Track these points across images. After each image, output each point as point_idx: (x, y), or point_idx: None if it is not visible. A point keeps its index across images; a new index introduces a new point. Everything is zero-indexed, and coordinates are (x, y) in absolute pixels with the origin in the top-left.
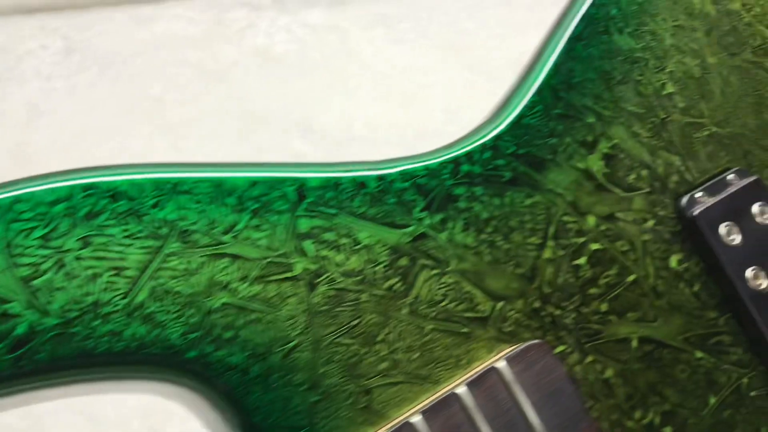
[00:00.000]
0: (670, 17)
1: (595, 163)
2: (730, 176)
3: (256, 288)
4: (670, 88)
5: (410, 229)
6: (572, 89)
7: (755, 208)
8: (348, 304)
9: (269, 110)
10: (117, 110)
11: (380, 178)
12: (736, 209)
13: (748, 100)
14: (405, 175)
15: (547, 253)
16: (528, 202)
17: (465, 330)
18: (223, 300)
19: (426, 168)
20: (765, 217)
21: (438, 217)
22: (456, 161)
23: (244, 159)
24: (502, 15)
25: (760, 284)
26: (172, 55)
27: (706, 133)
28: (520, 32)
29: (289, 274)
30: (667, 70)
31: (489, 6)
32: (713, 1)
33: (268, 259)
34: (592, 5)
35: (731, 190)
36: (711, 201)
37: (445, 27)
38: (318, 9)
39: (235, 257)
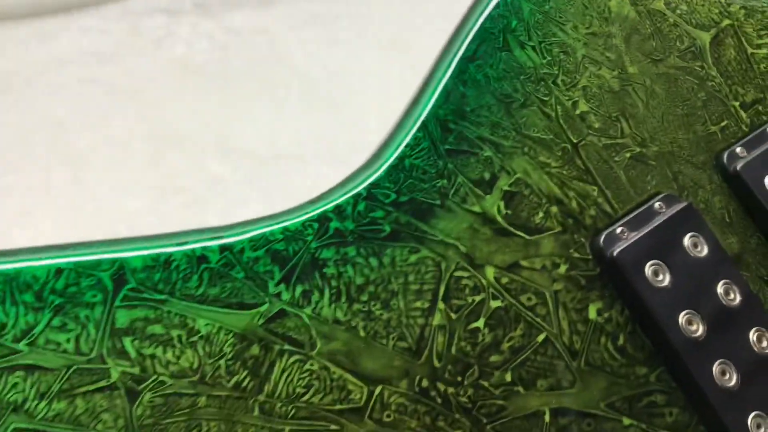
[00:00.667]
0: (582, 25)
1: (493, 205)
2: (657, 204)
3: (60, 405)
4: (583, 107)
5: (264, 308)
6: (465, 119)
7: (687, 240)
8: (181, 413)
9: (185, 129)
10: (12, 140)
11: (224, 248)
12: (664, 244)
13: (676, 111)
14: (256, 242)
15: (436, 319)
16: (413, 258)
17: (334, 428)
18: (16, 425)
19: (284, 230)
20: (698, 250)
21: (299, 290)
22: (322, 218)
23: (154, 188)
24: (449, 8)
25: (696, 330)
26: (79, 72)
27: (628, 155)
28: None
29: (103, 383)
30: (580, 85)
31: None
32: (633, 2)
33: (75, 367)
34: (487, 18)
35: (658, 221)
36: (634, 236)
37: (386, 23)
38: (244, 10)
39: (31, 368)
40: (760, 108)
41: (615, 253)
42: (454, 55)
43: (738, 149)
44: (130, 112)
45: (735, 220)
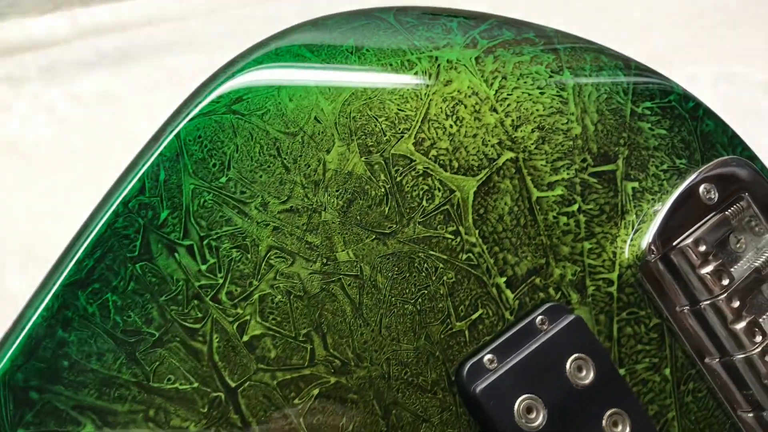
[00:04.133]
0: (277, 199)
1: None
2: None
3: None
4: (256, 329)
5: None
6: (58, 381)
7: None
8: None
9: None
10: None
11: None
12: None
13: (404, 310)
14: None
15: None
16: None
17: None
18: None
19: None
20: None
21: None
22: None
23: None
24: None
25: None
26: None
27: (316, 392)
28: None
29: None
30: (256, 296)
31: None
32: (364, 151)
33: None
34: (114, 214)
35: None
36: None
37: None
38: (97, 71)
39: None
40: (538, 281)
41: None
42: (54, 282)
43: (486, 358)
44: None
45: None
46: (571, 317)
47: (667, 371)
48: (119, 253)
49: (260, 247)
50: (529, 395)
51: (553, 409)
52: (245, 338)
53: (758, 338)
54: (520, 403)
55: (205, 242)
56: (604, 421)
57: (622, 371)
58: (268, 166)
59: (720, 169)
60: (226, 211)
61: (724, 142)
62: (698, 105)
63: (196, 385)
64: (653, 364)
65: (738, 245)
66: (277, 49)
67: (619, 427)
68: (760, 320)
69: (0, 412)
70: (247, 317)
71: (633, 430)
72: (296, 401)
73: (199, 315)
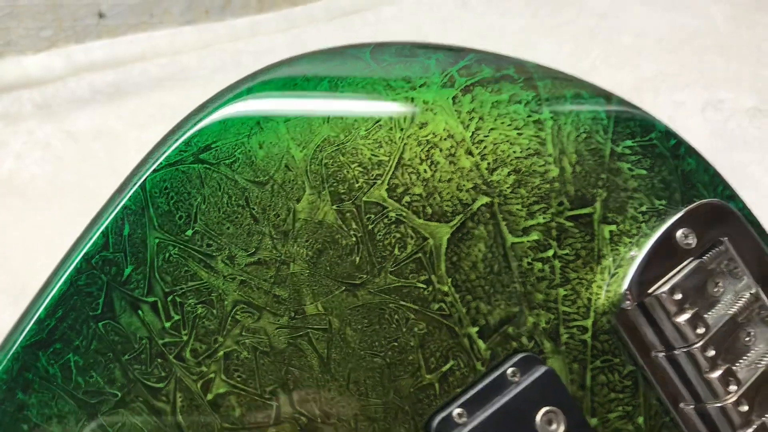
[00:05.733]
0: (244, 252)
1: None
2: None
3: None
4: (220, 387)
5: None
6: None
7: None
8: None
9: None
10: None
11: None
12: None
13: (373, 363)
14: None
15: None
16: None
17: None
18: None
19: None
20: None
21: None
22: None
23: None
24: None
25: None
26: None
27: None
28: None
29: None
30: (221, 353)
31: None
32: (335, 199)
33: None
34: (76, 271)
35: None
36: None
37: None
38: (91, 107)
39: None
40: (511, 330)
41: None
42: (14, 343)
43: (456, 412)
44: None
45: None
46: (543, 369)
47: (641, 420)
48: (82, 311)
49: (226, 302)
50: None
51: None
52: (209, 397)
53: (732, 387)
54: None
55: (169, 298)
56: None
57: (594, 421)
58: (236, 217)
59: (698, 213)
60: (191, 265)
61: (706, 181)
62: (680, 143)
63: None
64: (627, 412)
65: (716, 290)
66: (248, 90)
67: None
68: (735, 368)
69: None
70: (212, 375)
71: None
72: None
73: (163, 374)
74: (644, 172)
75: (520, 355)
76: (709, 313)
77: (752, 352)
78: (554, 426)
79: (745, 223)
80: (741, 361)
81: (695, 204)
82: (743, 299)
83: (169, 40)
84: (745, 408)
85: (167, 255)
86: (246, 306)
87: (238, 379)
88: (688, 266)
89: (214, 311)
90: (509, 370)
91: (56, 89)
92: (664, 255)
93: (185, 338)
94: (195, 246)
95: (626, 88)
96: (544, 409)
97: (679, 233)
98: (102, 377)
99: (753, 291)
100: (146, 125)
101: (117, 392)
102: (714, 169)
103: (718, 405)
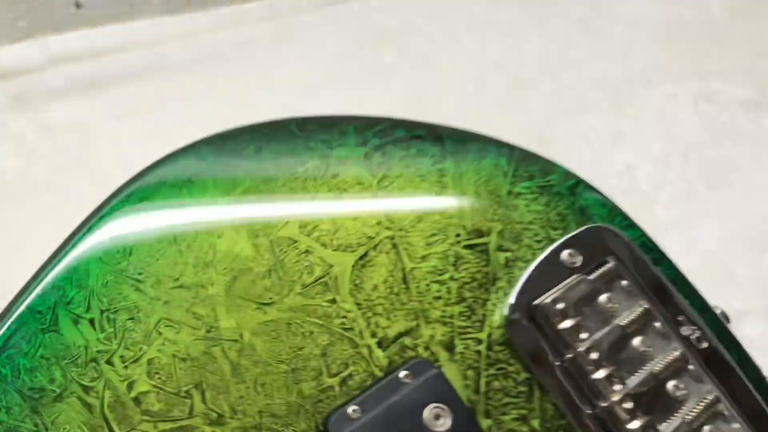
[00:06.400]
0: (170, 278)
1: None
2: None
3: None
4: (142, 386)
5: None
6: None
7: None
8: None
9: None
10: None
11: None
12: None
13: (278, 369)
14: None
15: None
16: None
17: None
18: None
19: None
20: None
21: None
22: None
23: None
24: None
25: None
26: None
27: None
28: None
29: None
30: (145, 359)
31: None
32: (252, 234)
33: None
34: (37, 295)
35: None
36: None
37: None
38: (67, 100)
39: None
40: (408, 341)
41: None
42: None
43: (351, 409)
44: None
45: None
46: (433, 371)
47: (536, 422)
48: (33, 326)
49: (151, 319)
50: None
51: None
52: (132, 394)
53: (617, 387)
54: None
55: (104, 315)
56: None
57: (488, 422)
58: (164, 253)
59: (584, 236)
60: (125, 288)
61: (604, 214)
62: (579, 182)
63: None
64: (521, 415)
65: (609, 305)
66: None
67: None
68: (621, 371)
69: None
70: (136, 377)
71: None
72: None
73: (95, 375)
74: (540, 207)
75: (413, 361)
76: (598, 323)
77: (641, 357)
78: (441, 420)
79: (631, 245)
80: (627, 363)
81: (580, 229)
82: (635, 313)
83: (149, 30)
84: (630, 405)
85: (105, 280)
86: (168, 321)
87: (159, 380)
88: (571, 281)
89: (141, 325)
90: (402, 374)
91: (32, 81)
92: (551, 273)
93: (115, 347)
94: (127, 273)
95: (616, 80)
96: (431, 405)
97: (564, 254)
98: (44, 377)
99: (646, 306)
100: (122, 117)
101: (56, 389)
102: (612, 203)
103: (605, 404)
